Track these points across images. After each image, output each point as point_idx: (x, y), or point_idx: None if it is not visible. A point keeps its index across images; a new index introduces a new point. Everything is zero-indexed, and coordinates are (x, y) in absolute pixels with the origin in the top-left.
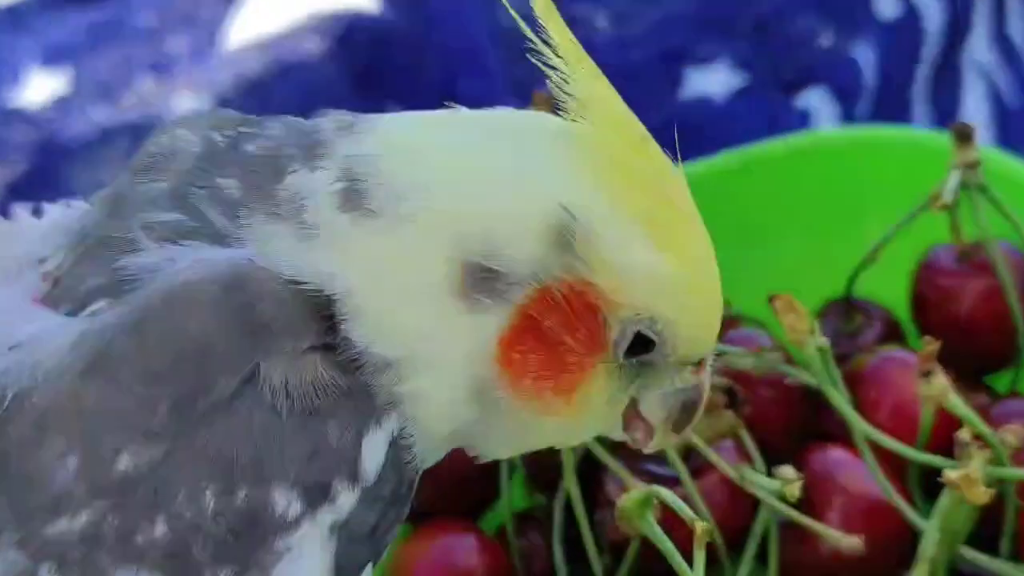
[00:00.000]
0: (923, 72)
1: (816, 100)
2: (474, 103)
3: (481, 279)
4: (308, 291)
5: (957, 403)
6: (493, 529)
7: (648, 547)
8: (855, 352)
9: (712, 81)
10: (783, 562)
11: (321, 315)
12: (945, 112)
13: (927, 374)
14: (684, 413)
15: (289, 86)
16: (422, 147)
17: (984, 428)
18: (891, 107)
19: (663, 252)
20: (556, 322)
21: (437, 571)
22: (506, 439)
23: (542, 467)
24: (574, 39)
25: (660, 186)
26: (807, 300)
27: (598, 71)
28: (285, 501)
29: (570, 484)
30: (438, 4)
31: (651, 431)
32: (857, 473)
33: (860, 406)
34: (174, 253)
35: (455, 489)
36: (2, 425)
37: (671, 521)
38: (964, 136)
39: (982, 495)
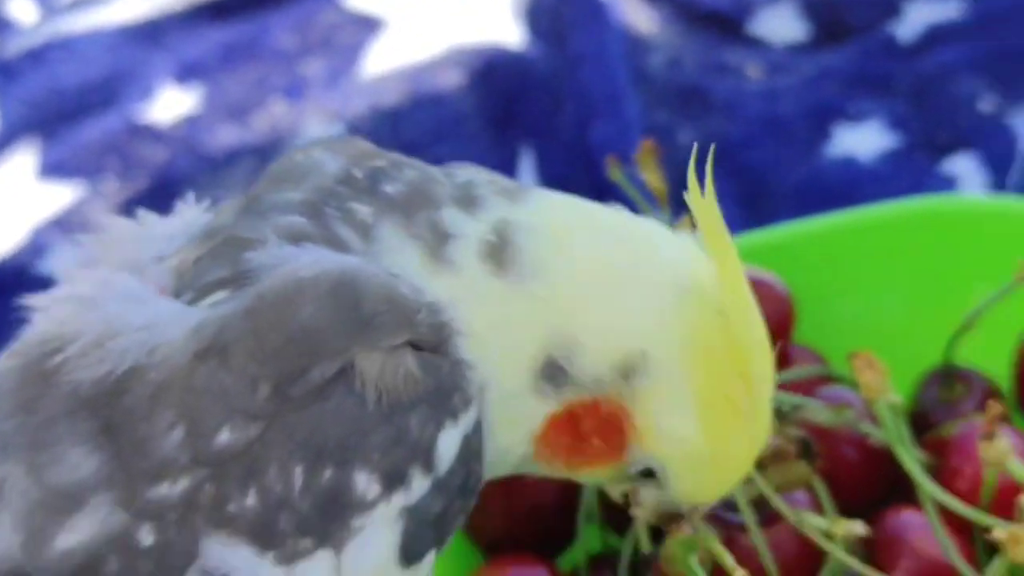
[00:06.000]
0: None
1: (965, 166)
2: (607, 148)
3: (553, 372)
4: (409, 298)
5: (1018, 467)
6: (568, 570)
7: None
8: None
9: (860, 140)
10: None
11: (412, 320)
12: None
13: (990, 436)
14: (667, 517)
15: (423, 119)
16: (563, 240)
17: None
18: None
19: (702, 435)
20: (592, 426)
21: None
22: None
23: (618, 509)
24: (723, 232)
25: (741, 374)
26: (913, 365)
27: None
28: (365, 483)
29: (640, 527)
30: (582, 43)
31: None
32: (927, 535)
33: (941, 472)
34: (293, 252)
35: (531, 526)
36: (117, 395)
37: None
38: None
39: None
